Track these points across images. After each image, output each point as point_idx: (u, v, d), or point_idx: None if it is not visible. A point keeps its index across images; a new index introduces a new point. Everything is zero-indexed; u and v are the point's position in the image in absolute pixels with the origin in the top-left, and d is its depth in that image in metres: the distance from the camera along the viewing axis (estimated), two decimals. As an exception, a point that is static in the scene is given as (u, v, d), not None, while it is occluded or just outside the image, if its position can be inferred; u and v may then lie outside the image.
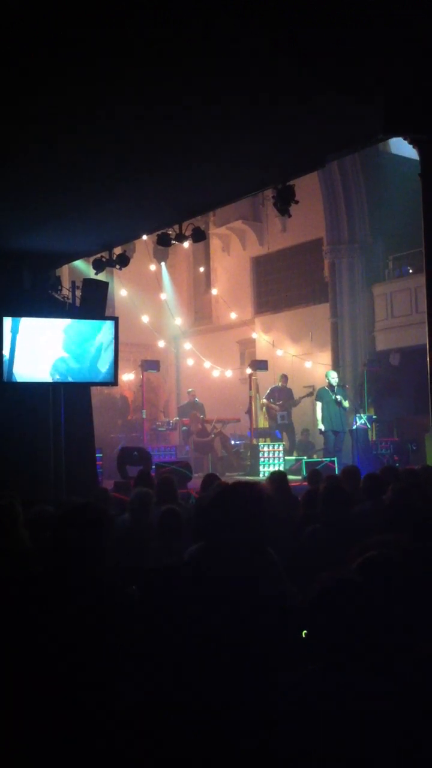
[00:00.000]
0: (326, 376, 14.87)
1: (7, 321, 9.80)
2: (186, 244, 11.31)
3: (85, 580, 2.51)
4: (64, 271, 13.86)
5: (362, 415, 15.20)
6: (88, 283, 11.02)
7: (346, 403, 14.42)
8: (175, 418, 19.14)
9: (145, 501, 6.09)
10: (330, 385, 14.43)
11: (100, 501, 7.45)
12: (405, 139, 8.03)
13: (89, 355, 10.47)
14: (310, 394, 16.49)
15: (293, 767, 2.13)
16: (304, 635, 2.46)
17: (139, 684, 2.30)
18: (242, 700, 2.20)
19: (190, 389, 19.18)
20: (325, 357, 18.08)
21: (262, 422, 17.14)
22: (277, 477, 7.58)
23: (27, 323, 10.06)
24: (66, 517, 2.65)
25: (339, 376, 15.08)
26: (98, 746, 2.23)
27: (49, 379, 10.19)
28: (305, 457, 14.70)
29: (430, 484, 6.89)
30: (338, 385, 14.49)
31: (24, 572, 4.05)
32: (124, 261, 11.16)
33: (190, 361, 21.38)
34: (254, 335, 20.74)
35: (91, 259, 11.89)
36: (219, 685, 2.19)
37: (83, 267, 14.11)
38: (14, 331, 9.90)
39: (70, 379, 10.38)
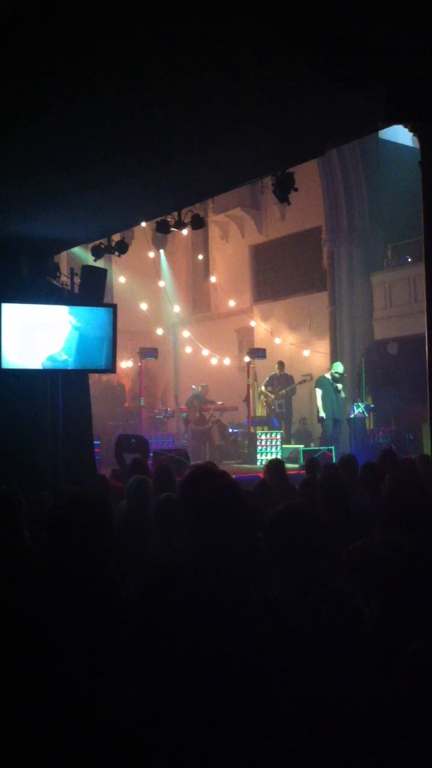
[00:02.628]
0: (333, 366, 14.97)
1: (6, 307, 9.76)
2: (185, 232, 11.29)
3: (83, 573, 2.50)
4: (62, 258, 13.82)
5: (360, 404, 15.25)
6: (87, 270, 10.99)
7: (343, 394, 14.59)
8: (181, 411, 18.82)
9: (142, 488, 6.07)
10: (332, 376, 14.55)
11: (99, 489, 7.46)
12: (405, 127, 7.98)
13: (86, 342, 10.44)
14: (303, 381, 16.55)
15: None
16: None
17: (139, 683, 2.30)
18: (241, 699, 2.21)
19: (204, 384, 18.35)
20: (324, 345, 18.08)
21: (260, 410, 17.15)
22: (275, 465, 7.60)
23: (22, 310, 10.03)
24: (64, 509, 2.64)
25: (343, 369, 15.15)
26: (97, 744, 2.24)
27: (45, 366, 10.15)
28: (303, 446, 14.74)
29: (429, 475, 6.91)
30: (340, 375, 14.63)
31: (24, 568, 4.06)
32: (122, 248, 11.14)
33: (188, 349, 21.36)
34: (252, 323, 20.72)
35: (90, 245, 11.85)
36: (218, 684, 2.19)
37: (82, 254, 14.06)
38: (10, 317, 9.87)
39: (67, 366, 10.35)
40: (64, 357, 10.19)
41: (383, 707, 2.15)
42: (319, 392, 14.60)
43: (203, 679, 2.10)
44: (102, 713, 2.23)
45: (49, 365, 10.09)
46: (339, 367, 14.87)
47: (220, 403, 17.72)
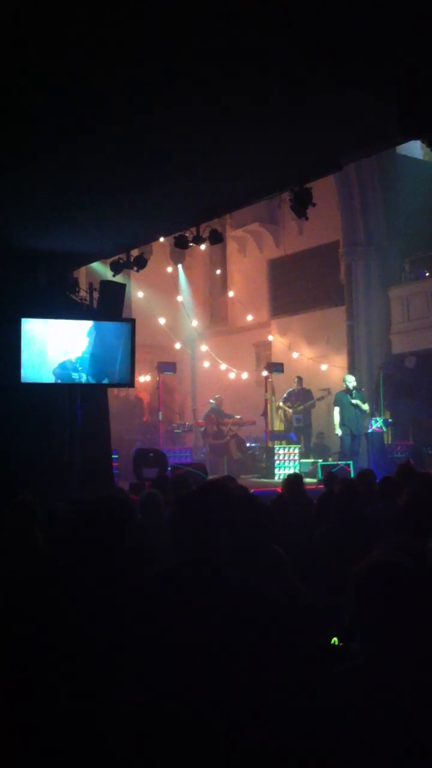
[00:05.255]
0: (344, 380, 14.91)
1: (25, 322, 9.86)
2: (203, 247, 11.34)
3: (98, 576, 2.54)
4: (81, 273, 13.93)
5: (378, 418, 15.20)
6: (106, 284, 11.07)
7: (364, 406, 14.50)
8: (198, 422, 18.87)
9: (151, 501, 6.26)
10: (347, 389, 14.48)
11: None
12: (422, 142, 8.02)
13: (105, 356, 10.51)
14: (322, 398, 16.53)
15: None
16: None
17: (142, 684, 2.32)
18: (242, 700, 2.22)
19: (217, 396, 18.63)
20: (341, 360, 18.06)
21: (278, 424, 17.14)
22: (293, 479, 7.61)
23: (43, 325, 10.11)
24: (87, 512, 2.68)
25: (355, 379, 15.11)
26: (98, 743, 2.26)
27: (56, 375, 10.19)
28: (321, 460, 14.71)
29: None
30: (355, 389, 14.54)
31: (36, 569, 4.11)
32: (141, 263, 11.19)
33: (206, 363, 21.39)
34: (270, 337, 20.74)
35: (109, 260, 11.95)
36: (219, 686, 2.21)
37: (101, 269, 14.18)
38: (30, 332, 9.95)
39: (86, 381, 10.42)
40: (78, 367, 10.25)
41: (385, 711, 2.16)
42: (337, 409, 14.56)
43: (203, 681, 2.13)
44: (106, 710, 2.25)
45: (59, 373, 10.12)
46: (349, 378, 14.83)
47: (238, 417, 17.74)
